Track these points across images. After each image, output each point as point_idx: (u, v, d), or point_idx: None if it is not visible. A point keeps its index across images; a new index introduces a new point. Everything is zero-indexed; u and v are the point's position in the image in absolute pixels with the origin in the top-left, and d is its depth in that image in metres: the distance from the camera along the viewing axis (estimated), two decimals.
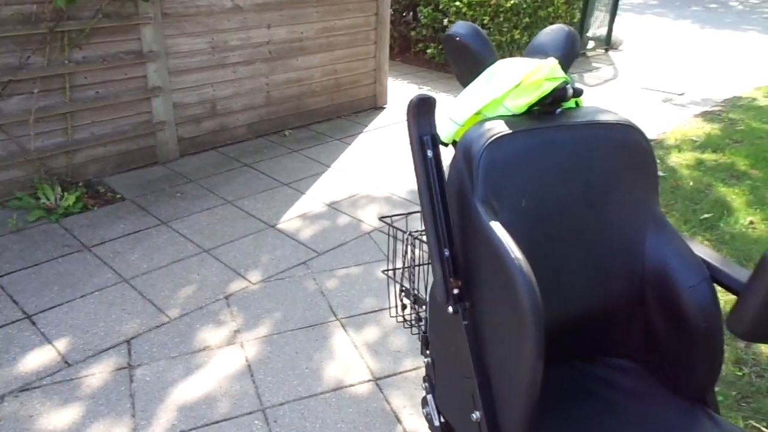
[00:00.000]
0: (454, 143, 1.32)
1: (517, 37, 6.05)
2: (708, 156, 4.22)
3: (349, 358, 2.23)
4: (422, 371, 2.17)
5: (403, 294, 1.49)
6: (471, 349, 1.08)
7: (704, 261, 1.17)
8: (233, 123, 4.25)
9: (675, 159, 4.18)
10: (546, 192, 1.15)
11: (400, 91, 5.81)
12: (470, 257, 1.10)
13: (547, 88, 1.21)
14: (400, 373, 2.17)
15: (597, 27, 7.53)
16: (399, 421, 1.96)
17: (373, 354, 2.26)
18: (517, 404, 0.99)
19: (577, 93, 1.24)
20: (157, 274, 2.69)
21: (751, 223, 3.25)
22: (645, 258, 1.20)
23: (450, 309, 1.10)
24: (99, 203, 3.34)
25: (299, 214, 3.30)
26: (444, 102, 5.44)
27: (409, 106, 1.12)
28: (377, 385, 2.11)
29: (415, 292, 1.43)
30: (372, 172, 3.89)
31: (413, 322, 1.49)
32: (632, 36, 8.95)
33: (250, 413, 1.97)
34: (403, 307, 1.49)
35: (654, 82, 6.35)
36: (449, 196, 1.14)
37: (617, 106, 5.40)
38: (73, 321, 2.37)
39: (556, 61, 1.26)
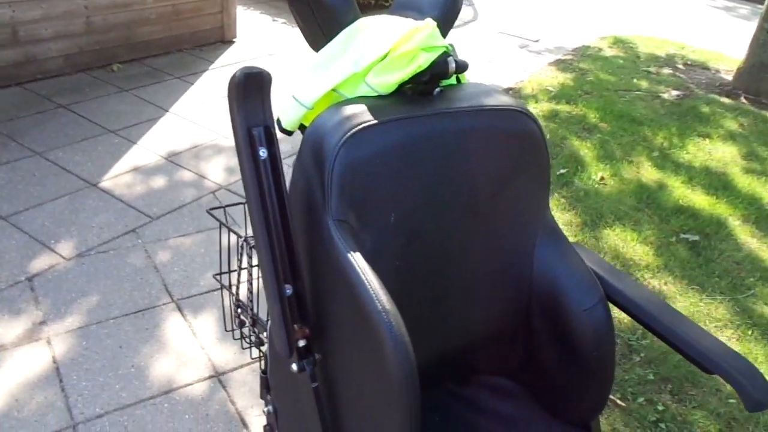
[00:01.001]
0: (302, 128, 1.01)
1: None
2: (562, 107, 4.28)
3: (186, 350, 1.91)
4: None
5: (239, 310, 1.19)
6: (322, 418, 0.82)
7: (596, 274, 1.01)
8: (44, 53, 3.51)
9: (532, 110, 4.18)
10: (422, 201, 0.90)
11: (252, 22, 5.24)
12: (321, 294, 0.82)
13: (424, 61, 0.93)
14: (248, 364, 1.90)
15: None
16: (245, 424, 1.70)
17: (215, 342, 1.95)
18: None
19: (461, 67, 0.97)
20: None
21: (602, 179, 3.32)
22: (533, 272, 1.01)
23: (294, 366, 0.83)
24: None
25: (129, 169, 2.80)
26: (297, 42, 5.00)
27: (230, 85, 0.79)
28: (220, 381, 1.83)
29: (254, 311, 1.14)
30: (219, 118, 3.43)
31: (252, 342, 1.20)
32: None
33: None
34: (241, 323, 1.19)
35: (511, 27, 6.36)
36: (293, 208, 0.84)
37: (476, 51, 5.32)
38: None
39: (435, 24, 0.98)
